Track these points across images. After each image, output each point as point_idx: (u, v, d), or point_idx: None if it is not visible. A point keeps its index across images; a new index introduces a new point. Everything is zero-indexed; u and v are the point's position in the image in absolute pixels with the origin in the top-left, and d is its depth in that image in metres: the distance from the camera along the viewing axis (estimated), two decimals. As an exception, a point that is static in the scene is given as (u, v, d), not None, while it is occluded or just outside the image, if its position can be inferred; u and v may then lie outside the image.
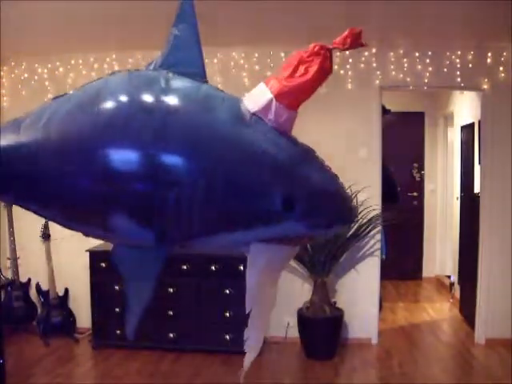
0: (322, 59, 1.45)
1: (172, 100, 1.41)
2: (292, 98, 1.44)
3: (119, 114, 1.40)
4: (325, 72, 1.46)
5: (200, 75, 1.51)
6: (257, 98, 1.45)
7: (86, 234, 1.57)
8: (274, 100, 1.42)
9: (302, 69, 1.44)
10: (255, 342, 1.59)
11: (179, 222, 1.38)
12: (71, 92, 1.56)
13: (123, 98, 1.42)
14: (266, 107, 1.42)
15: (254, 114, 1.43)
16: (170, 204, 1.35)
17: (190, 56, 1.53)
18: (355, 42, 1.46)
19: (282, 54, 4.53)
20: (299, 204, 1.38)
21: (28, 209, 1.57)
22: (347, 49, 1.47)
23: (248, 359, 1.59)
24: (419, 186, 7.02)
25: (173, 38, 1.56)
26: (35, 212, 1.56)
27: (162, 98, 1.41)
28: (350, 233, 4.30)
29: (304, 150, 1.48)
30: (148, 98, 1.41)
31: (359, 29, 1.46)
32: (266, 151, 1.40)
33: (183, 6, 1.57)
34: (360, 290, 4.62)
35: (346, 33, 1.46)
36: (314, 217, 1.41)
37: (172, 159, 1.36)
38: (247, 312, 1.50)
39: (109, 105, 1.42)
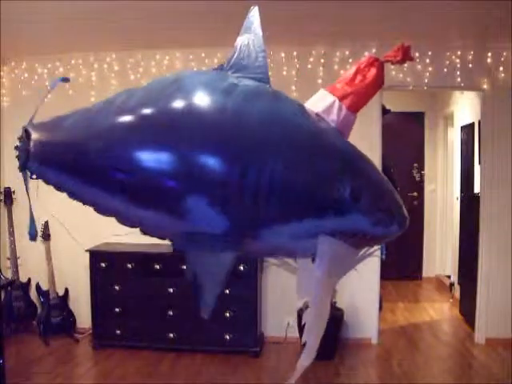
0: (378, 69, 1.61)
1: (246, 90, 1.52)
2: (353, 101, 1.58)
3: (195, 103, 1.49)
4: (379, 81, 1.62)
5: (265, 81, 1.61)
6: (318, 100, 1.59)
7: (145, 230, 1.61)
8: (337, 101, 1.55)
9: (359, 76, 1.60)
10: (312, 346, 1.63)
11: (255, 208, 1.43)
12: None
13: (199, 88, 1.52)
14: (329, 108, 1.55)
15: (316, 114, 1.55)
16: (248, 190, 1.41)
17: (256, 63, 1.63)
18: (406, 55, 1.63)
19: (283, 55, 4.53)
20: (365, 196, 1.47)
21: (90, 199, 1.56)
22: (398, 62, 1.62)
23: (304, 363, 1.63)
24: (419, 186, 7.02)
25: (239, 46, 1.66)
26: (95, 203, 1.56)
27: (236, 89, 1.52)
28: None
29: (362, 153, 1.60)
30: (223, 87, 1.52)
31: (408, 44, 1.63)
32: (336, 142, 1.52)
33: (250, 17, 1.69)
34: (360, 290, 4.61)
35: (396, 47, 1.62)
36: (377, 212, 1.50)
37: (250, 147, 1.44)
38: (314, 303, 1.57)
39: (185, 94, 1.50)
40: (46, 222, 4.73)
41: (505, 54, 4.33)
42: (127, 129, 1.49)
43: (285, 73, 4.53)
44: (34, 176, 1.54)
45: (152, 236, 1.65)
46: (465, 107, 5.73)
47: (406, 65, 4.41)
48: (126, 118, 1.50)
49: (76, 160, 1.51)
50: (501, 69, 4.34)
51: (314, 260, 1.57)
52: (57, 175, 1.53)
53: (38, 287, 4.78)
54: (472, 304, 4.72)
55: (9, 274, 4.80)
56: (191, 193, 1.43)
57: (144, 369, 4.09)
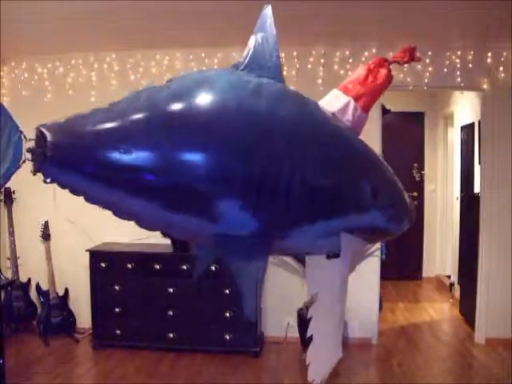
0: (387, 69, 1.72)
1: (273, 92, 1.53)
2: (367, 101, 1.67)
3: (225, 106, 1.46)
4: (388, 80, 1.74)
5: (279, 80, 1.62)
6: (333, 100, 1.65)
7: (168, 233, 1.63)
8: (352, 102, 1.62)
9: (371, 77, 1.70)
10: (337, 343, 1.70)
11: (284, 210, 1.45)
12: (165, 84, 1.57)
13: (227, 90, 1.49)
14: (344, 108, 1.62)
15: (332, 114, 1.61)
16: (278, 192, 1.42)
17: (270, 63, 1.63)
18: (413, 56, 1.78)
19: (283, 55, 4.52)
20: (381, 193, 1.56)
21: (118, 207, 1.49)
22: (405, 62, 1.76)
23: (332, 360, 1.70)
24: (419, 186, 7.02)
25: (253, 45, 1.65)
26: (115, 206, 1.49)
27: (262, 90, 1.51)
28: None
29: (375, 152, 1.70)
30: (250, 88, 1.50)
31: (414, 46, 1.79)
32: (356, 142, 1.59)
33: (263, 16, 1.69)
34: (360, 290, 4.60)
35: (403, 48, 1.77)
36: (390, 208, 1.60)
37: (281, 149, 1.44)
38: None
39: (213, 96, 1.46)
40: (46, 222, 4.73)
41: (505, 53, 4.33)
42: (155, 129, 1.42)
43: (285, 73, 4.52)
44: (49, 180, 1.44)
45: (175, 239, 1.67)
46: (465, 107, 5.73)
47: (406, 65, 4.42)
48: (154, 119, 1.42)
49: (96, 163, 1.43)
50: (501, 69, 4.33)
51: (328, 257, 1.59)
52: (73, 178, 1.45)
53: (37, 287, 4.77)
54: (472, 304, 4.71)
55: (9, 274, 4.80)
56: (224, 196, 1.41)
57: (144, 369, 4.09)
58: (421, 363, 4.24)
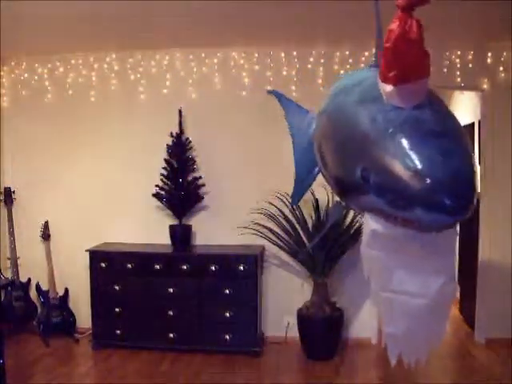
0: (395, 22, 1.36)
1: (336, 88, 1.94)
2: (387, 74, 1.44)
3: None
4: (400, 36, 1.34)
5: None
6: None
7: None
8: (379, 80, 1.52)
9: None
10: (437, 333, 1.68)
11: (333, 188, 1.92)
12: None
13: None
14: (382, 87, 1.51)
15: (386, 98, 1.53)
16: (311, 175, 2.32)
17: (375, 51, 1.92)
18: None
19: (282, 54, 4.53)
20: (373, 178, 1.43)
21: None
22: (412, 5, 1.33)
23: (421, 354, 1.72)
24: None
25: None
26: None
27: (339, 89, 1.89)
28: (351, 233, 4.30)
29: (412, 124, 1.39)
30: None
31: None
32: (361, 127, 1.55)
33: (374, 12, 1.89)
34: (360, 290, 4.61)
35: None
36: (390, 194, 1.38)
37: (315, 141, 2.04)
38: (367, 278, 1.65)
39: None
40: (46, 222, 4.73)
41: (505, 53, 4.33)
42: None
43: (285, 73, 4.53)
44: None
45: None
46: (465, 107, 5.73)
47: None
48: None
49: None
50: (501, 69, 4.34)
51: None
52: None
53: (38, 287, 4.77)
54: (472, 304, 4.71)
55: (9, 274, 4.80)
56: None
57: (144, 369, 4.09)
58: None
